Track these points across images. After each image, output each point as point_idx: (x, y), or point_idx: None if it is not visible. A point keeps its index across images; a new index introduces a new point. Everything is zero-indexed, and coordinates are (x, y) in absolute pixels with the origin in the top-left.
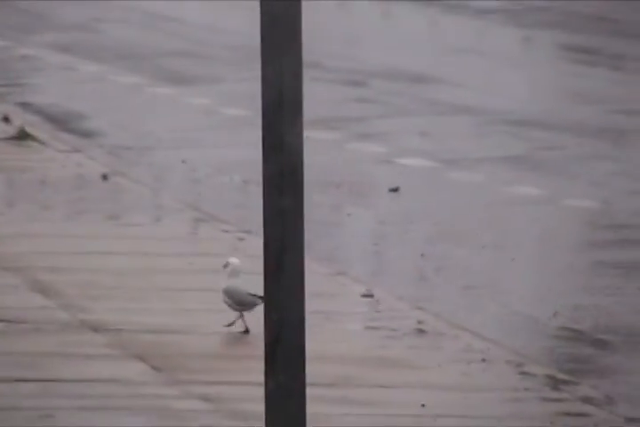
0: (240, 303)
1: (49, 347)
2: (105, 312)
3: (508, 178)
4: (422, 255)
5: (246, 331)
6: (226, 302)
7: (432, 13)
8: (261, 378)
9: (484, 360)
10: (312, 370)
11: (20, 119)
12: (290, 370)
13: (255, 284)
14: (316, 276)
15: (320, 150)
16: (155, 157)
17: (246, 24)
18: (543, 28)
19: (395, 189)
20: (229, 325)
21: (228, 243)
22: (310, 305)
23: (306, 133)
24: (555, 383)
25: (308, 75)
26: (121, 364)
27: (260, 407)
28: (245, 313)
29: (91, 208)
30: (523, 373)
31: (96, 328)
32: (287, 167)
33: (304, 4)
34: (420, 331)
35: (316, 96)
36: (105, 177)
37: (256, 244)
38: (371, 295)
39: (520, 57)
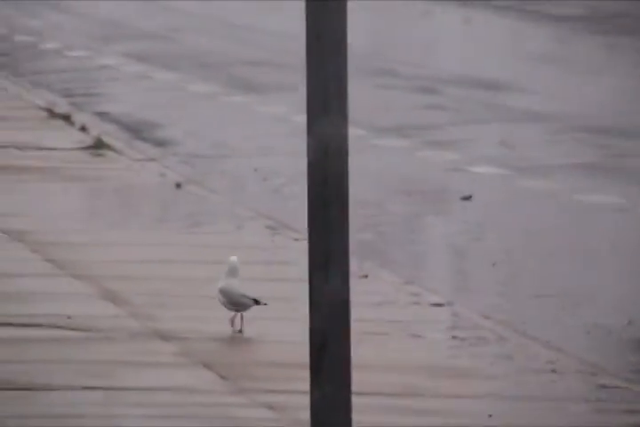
0: (233, 303)
1: (118, 355)
2: (174, 321)
3: (582, 185)
4: (494, 264)
5: (240, 331)
6: (220, 301)
7: (512, 20)
8: None
9: (554, 371)
10: (379, 379)
11: (97, 129)
12: (335, 380)
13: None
14: (387, 284)
15: (392, 158)
16: (228, 165)
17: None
18: (623, 35)
19: (467, 198)
20: (232, 325)
21: (298, 251)
22: (381, 314)
23: (377, 141)
24: (628, 394)
25: (381, 82)
26: (188, 372)
27: None
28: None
29: (164, 217)
30: (594, 383)
31: (165, 337)
32: (332, 176)
33: (390, 13)
34: (490, 340)
35: (389, 104)
36: (179, 185)
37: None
38: (441, 304)
39: (598, 64)
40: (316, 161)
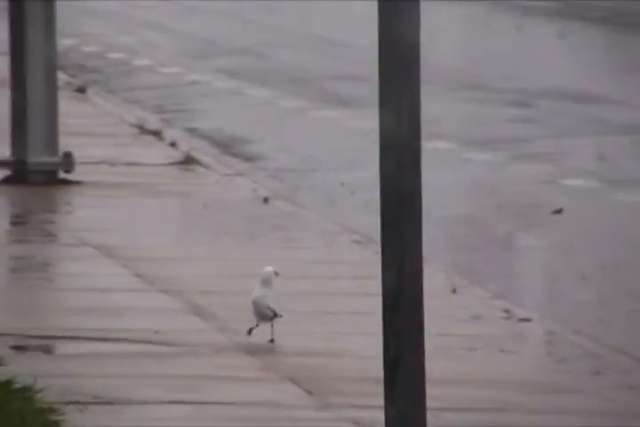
0: (257, 314)
1: (204, 370)
2: (260, 335)
3: None
4: (584, 278)
5: (271, 340)
6: (252, 312)
7: (607, 32)
8: None
9: None
10: (469, 394)
11: (187, 144)
12: (410, 396)
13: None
14: (476, 299)
15: (483, 171)
16: (316, 179)
17: None
18: None
19: (558, 211)
20: (249, 332)
21: None
22: (468, 329)
23: (468, 155)
24: None
25: (472, 96)
26: (274, 387)
27: None
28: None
29: (252, 231)
30: None
31: (251, 351)
32: (406, 192)
33: (482, 29)
34: (582, 355)
35: (480, 117)
36: (266, 200)
37: None
38: (530, 319)
39: None
40: (390, 175)
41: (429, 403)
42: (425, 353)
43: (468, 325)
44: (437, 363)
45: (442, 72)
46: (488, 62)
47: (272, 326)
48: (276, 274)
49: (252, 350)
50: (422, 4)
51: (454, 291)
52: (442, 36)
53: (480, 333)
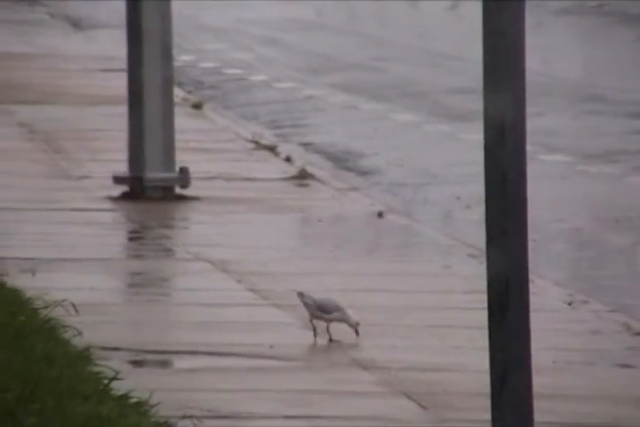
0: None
1: (318, 384)
2: (374, 350)
3: None
4: None
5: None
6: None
7: None
8: None
9: None
10: (585, 409)
11: (302, 159)
12: (517, 413)
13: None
14: (592, 313)
15: (599, 185)
16: (431, 193)
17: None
18: None
19: None
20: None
21: None
22: (585, 343)
23: (583, 167)
24: None
25: (588, 108)
26: (388, 401)
27: None
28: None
29: (367, 246)
30: None
31: (365, 366)
32: (510, 205)
33: (601, 41)
34: None
35: (597, 129)
36: (380, 214)
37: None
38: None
39: None
40: (495, 190)
41: (543, 417)
42: (532, 369)
43: (585, 339)
44: (553, 377)
45: (560, 85)
46: (607, 74)
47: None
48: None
49: (367, 365)
50: (538, 18)
51: (570, 304)
52: (561, 49)
53: (597, 347)
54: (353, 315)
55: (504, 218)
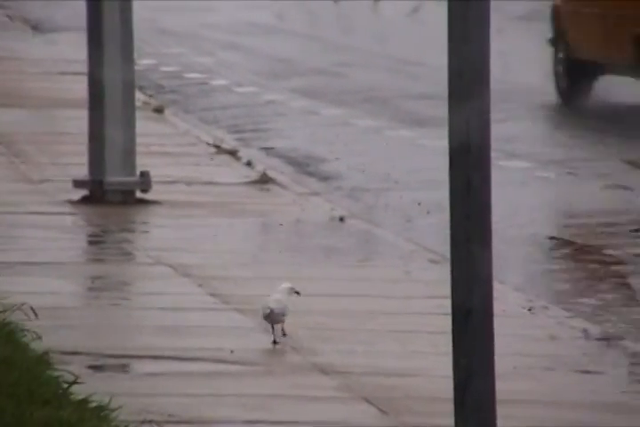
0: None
1: (279, 389)
2: (335, 354)
3: None
4: None
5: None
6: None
7: None
8: None
9: None
10: (541, 415)
11: (263, 163)
12: (480, 418)
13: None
14: (552, 319)
15: (556, 189)
16: (392, 198)
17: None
18: None
19: (637, 230)
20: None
21: None
22: (545, 349)
23: (545, 174)
24: None
25: (548, 115)
26: (349, 406)
27: None
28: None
29: (327, 251)
30: None
31: (326, 371)
32: (474, 212)
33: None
34: None
35: (557, 136)
36: (341, 219)
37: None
38: (607, 339)
39: None
40: (459, 197)
41: (503, 423)
42: (495, 374)
43: (545, 345)
44: (513, 383)
45: (520, 92)
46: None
47: (272, 327)
48: (296, 293)
49: (327, 370)
50: (498, 23)
51: (530, 310)
52: (520, 55)
53: (557, 353)
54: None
55: (469, 224)
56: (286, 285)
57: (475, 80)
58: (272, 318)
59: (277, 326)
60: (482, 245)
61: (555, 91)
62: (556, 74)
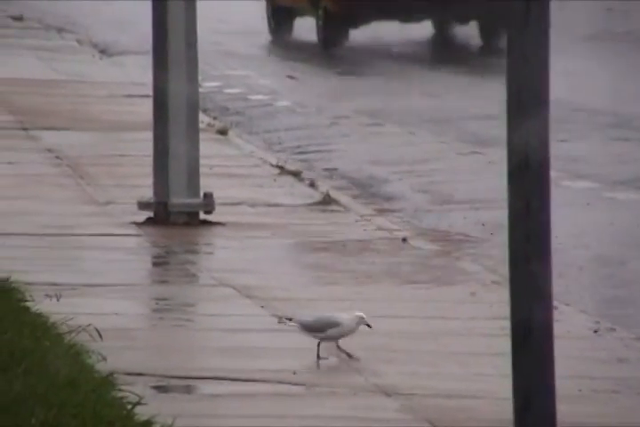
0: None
1: (341, 411)
2: (398, 376)
3: None
4: None
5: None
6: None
7: None
8: None
9: None
10: None
11: (326, 184)
12: None
13: None
14: (619, 341)
15: (628, 212)
16: (454, 219)
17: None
18: None
19: None
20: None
21: None
22: (610, 371)
23: (612, 194)
24: None
25: (615, 135)
26: None
27: None
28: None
29: (389, 272)
30: None
31: (388, 392)
32: (534, 233)
33: (625, 67)
34: None
35: (624, 156)
36: (405, 240)
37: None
38: None
39: None
40: (519, 217)
41: None
42: (555, 396)
43: (611, 367)
44: (578, 406)
45: (585, 111)
46: (633, 100)
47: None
48: (368, 326)
49: (390, 392)
50: (561, 45)
51: (596, 332)
52: (587, 75)
53: (623, 375)
54: (356, 317)
55: (528, 245)
56: (359, 313)
57: (534, 101)
58: (305, 331)
59: (333, 344)
60: (542, 267)
61: (268, 30)
62: (267, 17)
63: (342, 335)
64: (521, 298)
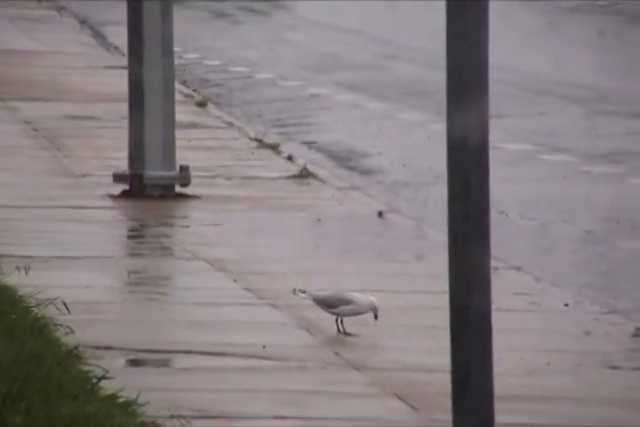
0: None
1: (310, 385)
2: (368, 350)
3: None
4: None
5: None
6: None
7: None
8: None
9: None
10: (575, 412)
11: (304, 158)
12: (478, 415)
13: None
14: (589, 315)
15: (602, 185)
16: (432, 193)
17: (532, 63)
18: None
19: None
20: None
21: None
22: (579, 345)
23: (587, 168)
24: None
25: (593, 108)
26: (380, 402)
27: None
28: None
29: (363, 245)
30: None
31: (358, 366)
32: (473, 211)
33: (612, 43)
34: None
35: (600, 130)
36: (380, 214)
37: (525, 279)
38: None
39: None
40: (457, 195)
41: (538, 419)
42: (493, 373)
43: (579, 340)
44: (546, 379)
45: (562, 85)
46: (609, 77)
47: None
48: (375, 317)
49: (359, 366)
50: (549, 16)
51: (567, 305)
52: (568, 49)
53: (591, 349)
54: (370, 301)
55: (466, 224)
56: (372, 298)
57: (473, 78)
58: (317, 304)
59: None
60: (480, 242)
61: None
62: None
63: (353, 314)
64: (460, 277)
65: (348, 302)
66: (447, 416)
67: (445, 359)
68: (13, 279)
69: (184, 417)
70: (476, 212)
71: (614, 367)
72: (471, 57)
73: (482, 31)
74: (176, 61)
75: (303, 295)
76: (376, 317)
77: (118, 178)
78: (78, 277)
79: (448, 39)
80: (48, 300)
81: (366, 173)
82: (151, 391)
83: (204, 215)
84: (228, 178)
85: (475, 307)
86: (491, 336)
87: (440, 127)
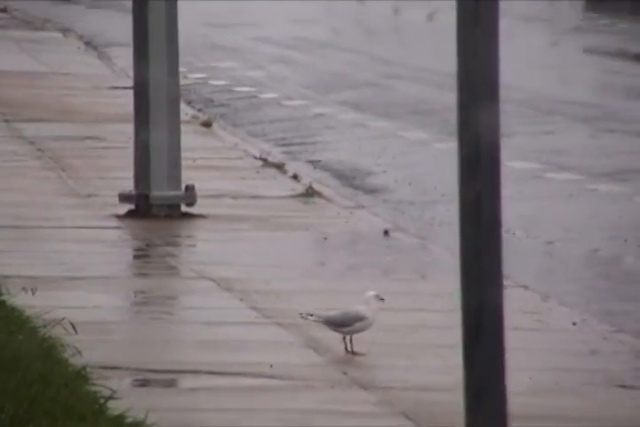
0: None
1: (318, 404)
2: (376, 369)
3: None
4: None
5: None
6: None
7: None
8: None
9: None
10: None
11: (309, 177)
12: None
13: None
14: (596, 333)
15: (608, 204)
16: (438, 211)
17: (536, 80)
18: None
19: None
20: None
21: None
22: (587, 364)
23: (594, 186)
24: None
25: (602, 127)
26: (388, 422)
27: None
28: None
29: (370, 264)
30: None
31: (365, 386)
32: (485, 226)
33: (613, 62)
34: None
35: (607, 148)
36: (386, 233)
37: (532, 298)
38: None
39: None
40: (470, 211)
41: None
42: (506, 387)
43: (587, 359)
44: (554, 398)
45: (569, 104)
46: (616, 94)
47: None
48: (381, 299)
49: (367, 385)
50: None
51: (574, 324)
52: (571, 70)
53: (599, 368)
54: (372, 309)
55: (478, 239)
56: (372, 293)
57: (484, 93)
58: (329, 326)
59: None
60: (492, 260)
61: None
62: None
63: (366, 328)
64: (472, 291)
65: (361, 318)
66: None
67: (453, 378)
68: (20, 300)
69: None
70: (488, 225)
71: (623, 386)
72: (482, 72)
73: (492, 45)
74: (181, 81)
75: (312, 318)
76: (382, 299)
77: (124, 198)
78: (85, 298)
79: (459, 54)
80: (55, 320)
81: (371, 191)
82: (159, 411)
83: (209, 235)
84: (234, 197)
85: (487, 321)
86: (503, 351)
87: (444, 146)
